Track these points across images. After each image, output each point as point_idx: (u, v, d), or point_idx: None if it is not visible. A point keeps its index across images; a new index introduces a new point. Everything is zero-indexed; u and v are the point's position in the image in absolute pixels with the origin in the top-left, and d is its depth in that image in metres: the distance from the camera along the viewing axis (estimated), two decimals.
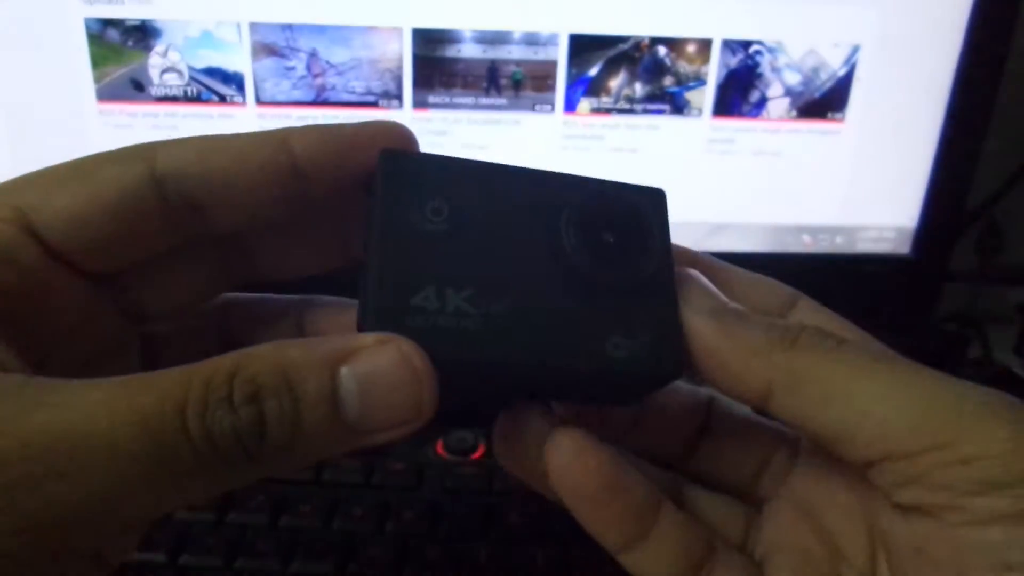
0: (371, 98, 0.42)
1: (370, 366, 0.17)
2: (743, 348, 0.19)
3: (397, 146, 0.20)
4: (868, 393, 0.18)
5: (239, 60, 0.41)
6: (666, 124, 0.44)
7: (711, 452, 0.24)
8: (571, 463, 0.20)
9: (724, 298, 0.21)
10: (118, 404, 0.15)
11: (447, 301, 0.18)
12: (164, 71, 0.41)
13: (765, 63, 0.43)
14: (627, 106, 0.43)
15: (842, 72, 0.43)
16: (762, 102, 0.44)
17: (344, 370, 0.16)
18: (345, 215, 0.22)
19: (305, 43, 0.41)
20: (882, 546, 0.20)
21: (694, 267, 0.22)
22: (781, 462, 0.24)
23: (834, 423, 0.19)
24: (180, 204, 0.19)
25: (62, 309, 0.19)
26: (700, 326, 0.20)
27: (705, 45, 0.42)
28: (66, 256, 0.19)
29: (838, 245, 0.47)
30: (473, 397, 0.21)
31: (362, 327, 0.18)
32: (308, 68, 0.41)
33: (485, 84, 0.42)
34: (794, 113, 0.44)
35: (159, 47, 0.40)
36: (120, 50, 0.40)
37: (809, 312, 0.23)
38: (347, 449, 0.17)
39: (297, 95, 0.42)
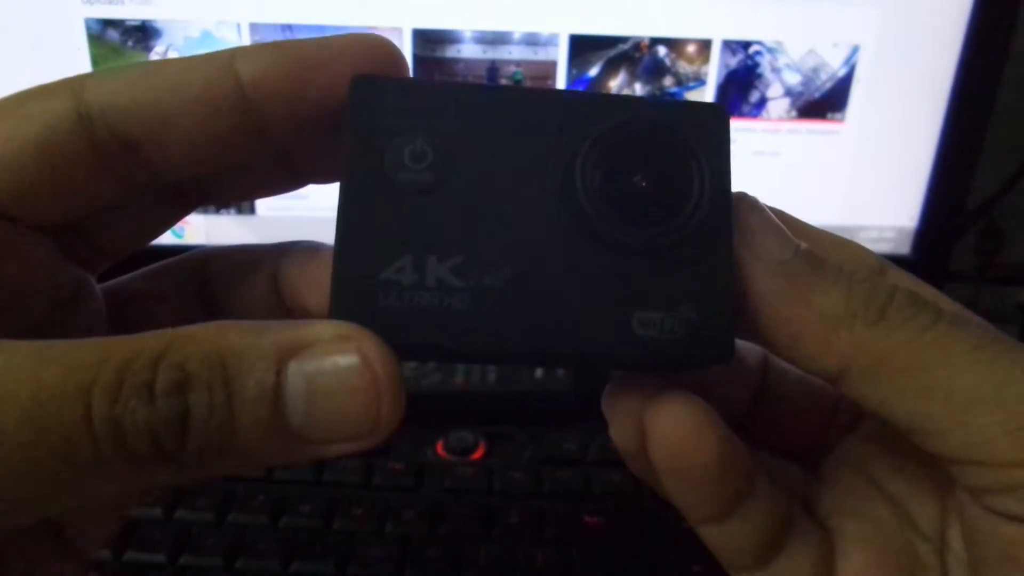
0: None
1: (323, 365, 0.14)
2: (819, 318, 0.16)
3: (377, 67, 0.17)
4: (968, 388, 0.16)
5: None
6: None
7: (768, 415, 0.22)
8: (687, 441, 0.17)
9: (794, 240, 0.17)
10: (17, 376, 0.13)
11: (427, 273, 0.15)
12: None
13: (765, 63, 0.43)
14: None
15: (842, 72, 0.43)
16: (762, 102, 0.44)
17: (292, 365, 0.14)
18: (317, 146, 0.19)
19: None
20: (957, 520, 0.19)
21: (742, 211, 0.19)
22: (842, 423, 0.22)
23: (920, 417, 0.16)
24: (112, 143, 0.16)
25: (5, 262, 0.17)
26: (766, 285, 0.17)
27: (705, 45, 0.42)
28: None
29: None
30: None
31: (330, 306, 0.15)
32: None
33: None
34: (794, 113, 0.44)
35: (159, 47, 0.40)
36: (120, 50, 0.40)
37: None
38: (287, 460, 0.15)
39: None
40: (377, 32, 0.41)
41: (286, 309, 0.21)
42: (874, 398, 0.17)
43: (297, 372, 0.14)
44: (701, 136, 0.16)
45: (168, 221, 0.21)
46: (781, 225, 0.17)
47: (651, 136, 0.16)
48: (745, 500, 0.18)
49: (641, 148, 0.16)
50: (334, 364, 0.14)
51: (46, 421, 0.13)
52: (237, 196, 0.20)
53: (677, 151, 0.16)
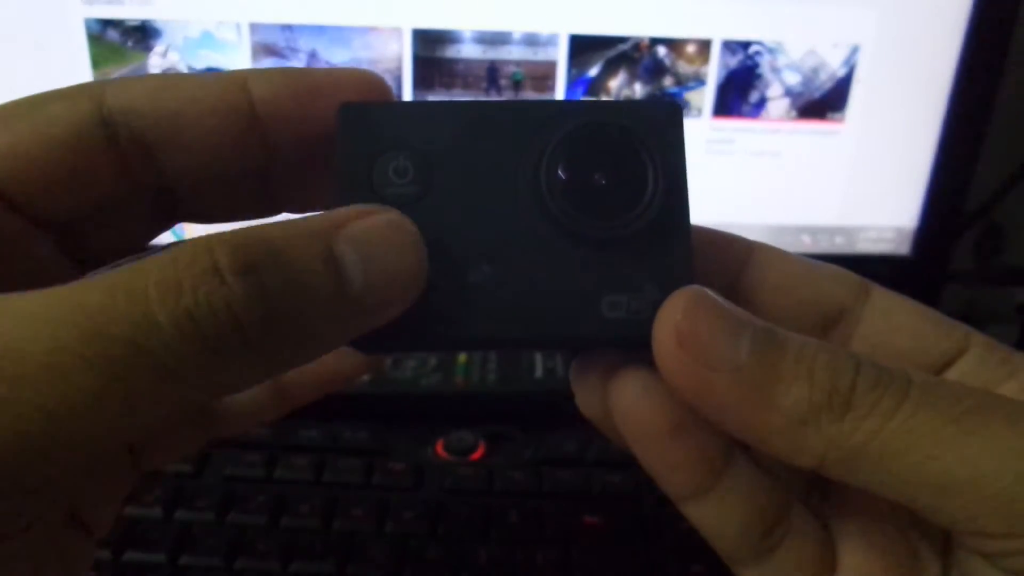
0: None
1: (366, 233, 0.15)
2: (784, 421, 0.16)
3: (369, 96, 0.19)
4: (945, 471, 0.15)
5: (239, 60, 0.41)
6: None
7: None
8: (637, 402, 0.18)
9: (746, 330, 0.16)
10: (60, 306, 0.13)
11: None
12: (164, 72, 0.41)
13: (765, 63, 0.43)
14: None
15: (842, 72, 0.43)
16: (762, 102, 0.44)
17: (340, 239, 0.15)
18: (311, 167, 0.21)
19: (305, 44, 0.41)
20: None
21: (724, 250, 0.20)
22: None
23: (905, 499, 0.16)
24: (130, 146, 0.18)
25: (8, 253, 0.18)
26: (725, 397, 0.16)
27: (705, 45, 0.42)
28: (10, 197, 0.17)
29: (838, 245, 0.47)
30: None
31: None
32: None
33: (485, 84, 0.42)
34: (794, 113, 0.44)
35: (159, 47, 0.40)
36: (120, 50, 0.40)
37: (882, 307, 0.20)
38: (349, 334, 0.16)
39: None
40: (377, 32, 0.41)
41: None
42: (855, 483, 0.17)
43: (346, 243, 0.15)
44: (655, 133, 0.18)
45: (154, 231, 0.22)
46: (730, 314, 0.16)
47: (607, 137, 0.18)
48: (722, 478, 0.18)
49: (598, 148, 0.18)
50: (374, 229, 0.16)
51: (106, 332, 0.13)
52: (216, 216, 0.22)
53: (631, 149, 0.18)
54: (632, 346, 0.18)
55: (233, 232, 0.14)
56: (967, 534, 0.16)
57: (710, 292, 0.17)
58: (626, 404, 0.18)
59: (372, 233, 0.16)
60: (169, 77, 0.18)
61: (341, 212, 0.16)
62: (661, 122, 0.18)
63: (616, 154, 0.18)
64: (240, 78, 0.18)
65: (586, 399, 0.20)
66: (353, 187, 0.18)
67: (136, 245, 0.22)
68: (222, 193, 0.21)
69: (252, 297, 0.14)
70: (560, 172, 0.17)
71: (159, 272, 0.13)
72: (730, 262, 0.20)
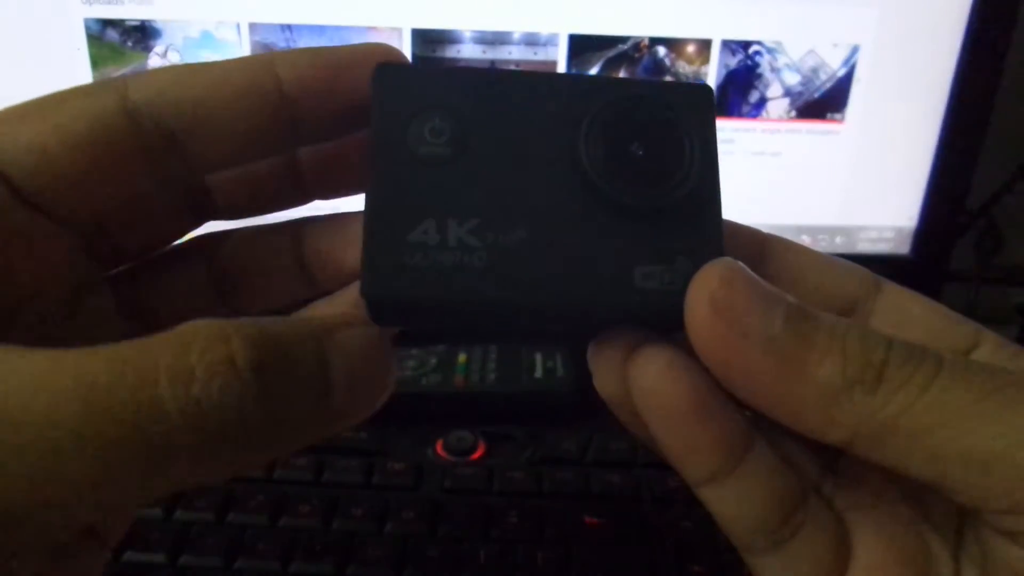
0: None
1: (351, 341, 0.16)
2: (817, 393, 0.16)
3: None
4: (978, 446, 0.15)
5: None
6: None
7: None
8: (660, 379, 0.18)
9: (779, 303, 0.17)
10: (64, 375, 0.13)
11: (449, 234, 0.17)
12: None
13: (764, 63, 0.43)
14: None
15: (841, 72, 0.43)
16: (762, 102, 0.44)
17: (330, 345, 0.15)
18: (339, 152, 0.21)
19: (305, 43, 0.41)
20: (973, 527, 0.19)
21: (737, 241, 0.20)
22: None
23: (935, 476, 0.16)
24: (156, 137, 0.18)
25: (33, 257, 0.17)
26: (758, 365, 0.16)
27: (705, 45, 0.42)
28: (33, 197, 0.17)
29: (838, 245, 0.47)
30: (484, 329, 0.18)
31: (362, 266, 0.17)
32: None
33: None
34: (793, 113, 0.44)
35: (159, 48, 0.40)
36: (120, 51, 0.40)
37: (894, 301, 0.20)
38: (323, 436, 0.16)
39: None
40: (377, 32, 0.41)
41: (311, 278, 0.22)
42: (886, 462, 0.16)
43: (335, 347, 0.15)
44: (690, 111, 0.18)
45: (183, 230, 0.22)
46: (764, 287, 0.17)
47: (647, 110, 0.18)
48: (741, 463, 0.18)
49: (638, 120, 0.18)
50: (359, 336, 0.16)
51: (107, 412, 0.13)
52: (249, 210, 0.22)
53: (669, 123, 0.18)
54: (662, 317, 0.18)
55: (244, 324, 0.14)
56: (995, 512, 0.16)
57: (743, 265, 0.17)
58: (648, 382, 0.18)
59: (355, 342, 0.16)
60: (193, 65, 0.18)
61: (331, 318, 0.16)
62: (695, 102, 0.19)
63: (655, 126, 0.18)
64: (266, 60, 0.18)
65: (605, 377, 0.19)
66: (388, 146, 0.18)
67: (164, 244, 0.21)
68: (252, 183, 0.21)
69: (263, 394, 0.14)
70: (598, 141, 0.18)
71: (171, 356, 0.13)
72: (742, 253, 0.20)
